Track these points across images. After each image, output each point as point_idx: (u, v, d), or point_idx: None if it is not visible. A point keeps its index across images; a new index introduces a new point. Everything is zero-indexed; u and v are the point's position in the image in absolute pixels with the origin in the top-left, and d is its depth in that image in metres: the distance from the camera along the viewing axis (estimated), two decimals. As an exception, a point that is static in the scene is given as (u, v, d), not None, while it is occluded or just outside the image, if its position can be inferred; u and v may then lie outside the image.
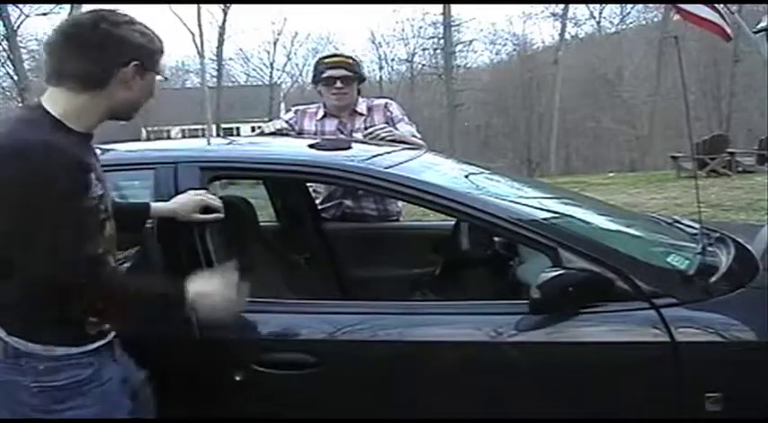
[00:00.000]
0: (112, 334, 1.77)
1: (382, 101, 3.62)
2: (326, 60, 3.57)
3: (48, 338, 1.66)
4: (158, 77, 1.76)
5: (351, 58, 3.61)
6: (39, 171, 1.53)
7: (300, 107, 3.64)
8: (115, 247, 1.79)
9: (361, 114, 3.51)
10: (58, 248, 1.57)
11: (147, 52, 1.70)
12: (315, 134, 3.48)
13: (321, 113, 3.53)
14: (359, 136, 3.35)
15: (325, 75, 3.47)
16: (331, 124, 3.51)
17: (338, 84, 3.43)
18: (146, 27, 1.72)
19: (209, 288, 1.76)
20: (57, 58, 1.66)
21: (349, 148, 2.91)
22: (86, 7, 2.13)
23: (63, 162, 1.56)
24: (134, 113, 1.77)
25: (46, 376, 1.65)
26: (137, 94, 1.72)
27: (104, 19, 1.66)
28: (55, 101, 1.67)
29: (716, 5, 2.57)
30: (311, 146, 2.91)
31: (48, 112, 1.65)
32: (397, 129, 3.35)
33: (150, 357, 1.86)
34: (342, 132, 3.47)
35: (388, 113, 3.51)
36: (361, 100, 3.55)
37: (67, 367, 1.67)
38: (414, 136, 3.40)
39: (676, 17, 2.52)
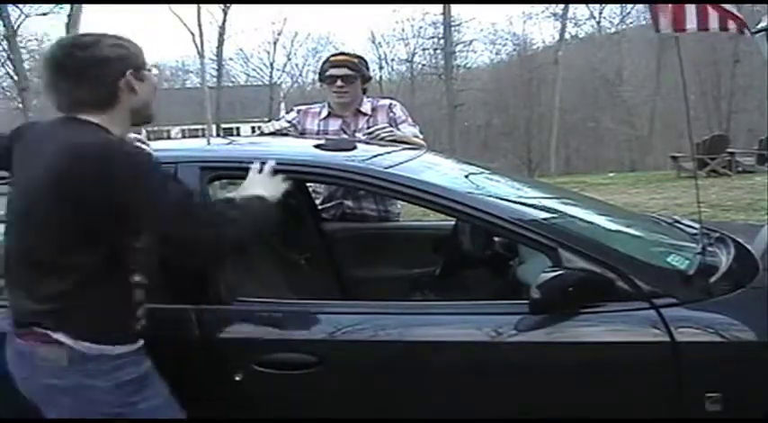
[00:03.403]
0: None
1: (386, 101, 3.63)
2: (331, 58, 3.59)
3: (108, 339, 1.74)
4: (154, 71, 1.91)
5: (357, 56, 3.61)
6: (126, 161, 1.69)
7: (303, 107, 3.64)
8: None
9: (365, 114, 3.52)
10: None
11: (131, 58, 1.82)
12: (317, 134, 3.48)
13: (325, 113, 3.54)
14: (361, 136, 3.35)
15: (327, 73, 3.49)
16: (334, 124, 3.51)
17: (339, 82, 3.44)
18: (115, 38, 1.83)
19: (260, 179, 1.98)
20: (58, 91, 1.78)
21: (349, 148, 2.91)
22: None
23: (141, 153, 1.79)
24: (150, 111, 1.89)
25: (114, 373, 1.74)
26: (144, 94, 1.84)
27: (76, 46, 1.77)
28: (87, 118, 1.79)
29: (707, 6, 2.54)
30: (311, 146, 2.91)
31: (92, 123, 1.77)
32: (399, 129, 3.36)
33: (151, 357, 1.86)
34: (345, 132, 3.47)
35: (392, 114, 3.51)
36: (366, 100, 3.56)
37: (127, 364, 1.77)
38: (416, 137, 3.40)
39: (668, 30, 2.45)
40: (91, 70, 1.75)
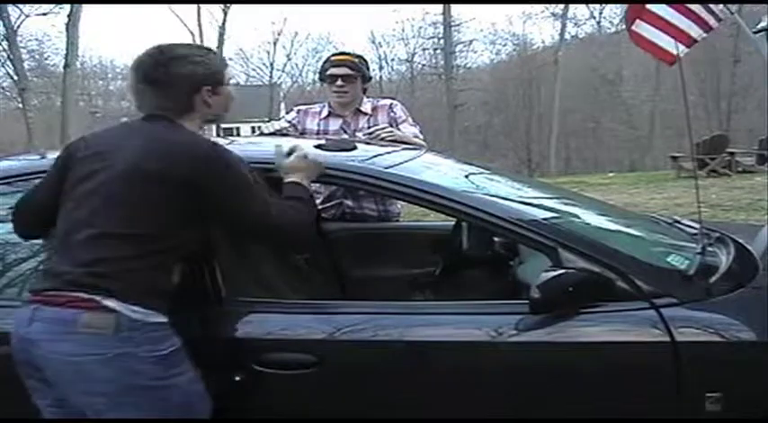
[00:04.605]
0: None
1: (387, 101, 3.63)
2: (332, 58, 3.59)
3: (155, 305, 1.80)
4: (231, 85, 2.08)
5: (357, 56, 3.61)
6: (230, 162, 1.92)
7: (303, 107, 3.65)
8: None
9: (365, 114, 3.52)
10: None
11: (210, 76, 2.00)
12: (318, 133, 3.48)
13: (325, 112, 3.54)
14: (361, 136, 3.35)
15: (328, 72, 3.50)
16: (335, 123, 3.51)
17: (339, 81, 3.45)
18: (200, 53, 2.02)
19: (299, 165, 2.10)
20: (142, 97, 1.98)
21: (349, 148, 2.91)
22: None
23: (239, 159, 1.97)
24: (224, 115, 2.10)
25: (158, 344, 1.79)
26: (217, 106, 2.04)
27: (164, 59, 1.95)
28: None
29: (710, 6, 2.56)
30: (311, 146, 2.90)
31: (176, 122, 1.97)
32: (399, 129, 3.36)
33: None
34: (345, 132, 3.47)
35: (392, 114, 3.52)
36: (366, 100, 3.56)
37: (168, 336, 1.83)
38: (416, 137, 3.40)
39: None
40: (173, 83, 1.94)
